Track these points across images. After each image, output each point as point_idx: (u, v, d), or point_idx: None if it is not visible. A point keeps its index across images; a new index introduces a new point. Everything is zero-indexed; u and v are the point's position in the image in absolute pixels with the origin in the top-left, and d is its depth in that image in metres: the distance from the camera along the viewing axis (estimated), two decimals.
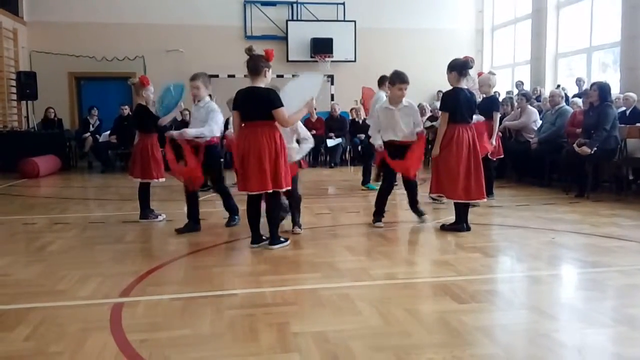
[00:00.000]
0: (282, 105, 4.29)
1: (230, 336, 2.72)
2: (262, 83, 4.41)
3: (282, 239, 4.56)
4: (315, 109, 4.86)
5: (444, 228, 5.18)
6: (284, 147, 4.40)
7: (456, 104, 4.95)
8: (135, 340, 2.66)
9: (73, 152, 12.74)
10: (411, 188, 5.50)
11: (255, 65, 4.37)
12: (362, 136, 12.44)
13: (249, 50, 4.42)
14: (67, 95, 13.56)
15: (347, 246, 4.59)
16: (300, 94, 4.66)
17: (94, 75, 13.44)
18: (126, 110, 11.63)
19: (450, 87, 5.07)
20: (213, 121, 5.11)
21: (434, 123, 11.57)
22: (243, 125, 4.40)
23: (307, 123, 7.33)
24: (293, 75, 9.71)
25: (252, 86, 4.40)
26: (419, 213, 5.58)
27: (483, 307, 3.13)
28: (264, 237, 4.55)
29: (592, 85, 7.38)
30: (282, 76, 11.48)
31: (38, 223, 5.59)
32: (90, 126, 12.35)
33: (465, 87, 5.09)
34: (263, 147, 4.26)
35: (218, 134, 5.24)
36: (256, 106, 4.29)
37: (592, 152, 6.87)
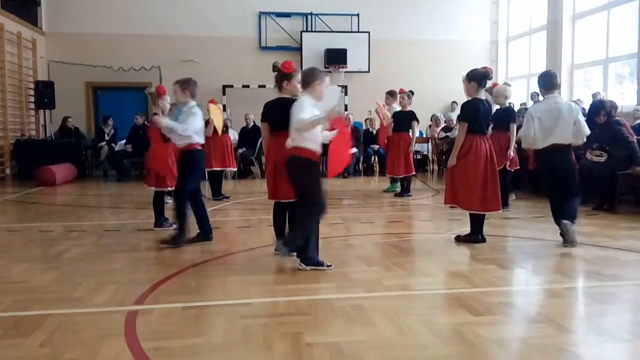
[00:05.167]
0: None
1: (243, 345, 2.71)
2: (288, 94, 4.51)
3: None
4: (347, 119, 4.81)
5: (459, 239, 5.14)
6: None
7: (476, 115, 4.94)
8: (149, 348, 2.66)
9: (89, 160, 12.88)
10: None
11: (280, 78, 4.52)
12: (376, 147, 12.44)
13: (274, 67, 4.59)
14: (84, 105, 13.71)
15: (361, 256, 4.57)
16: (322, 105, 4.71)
17: (111, 85, 13.59)
18: (141, 119, 11.73)
19: (468, 98, 5.05)
20: (188, 122, 5.02)
21: (448, 134, 11.59)
22: (273, 135, 4.50)
23: None
24: None
25: (279, 97, 4.53)
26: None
27: (499, 319, 3.10)
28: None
29: (597, 108, 7.09)
30: None
31: (54, 230, 5.63)
32: (106, 135, 12.49)
33: (484, 97, 5.08)
34: None
35: (194, 137, 5.07)
36: (284, 117, 4.36)
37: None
